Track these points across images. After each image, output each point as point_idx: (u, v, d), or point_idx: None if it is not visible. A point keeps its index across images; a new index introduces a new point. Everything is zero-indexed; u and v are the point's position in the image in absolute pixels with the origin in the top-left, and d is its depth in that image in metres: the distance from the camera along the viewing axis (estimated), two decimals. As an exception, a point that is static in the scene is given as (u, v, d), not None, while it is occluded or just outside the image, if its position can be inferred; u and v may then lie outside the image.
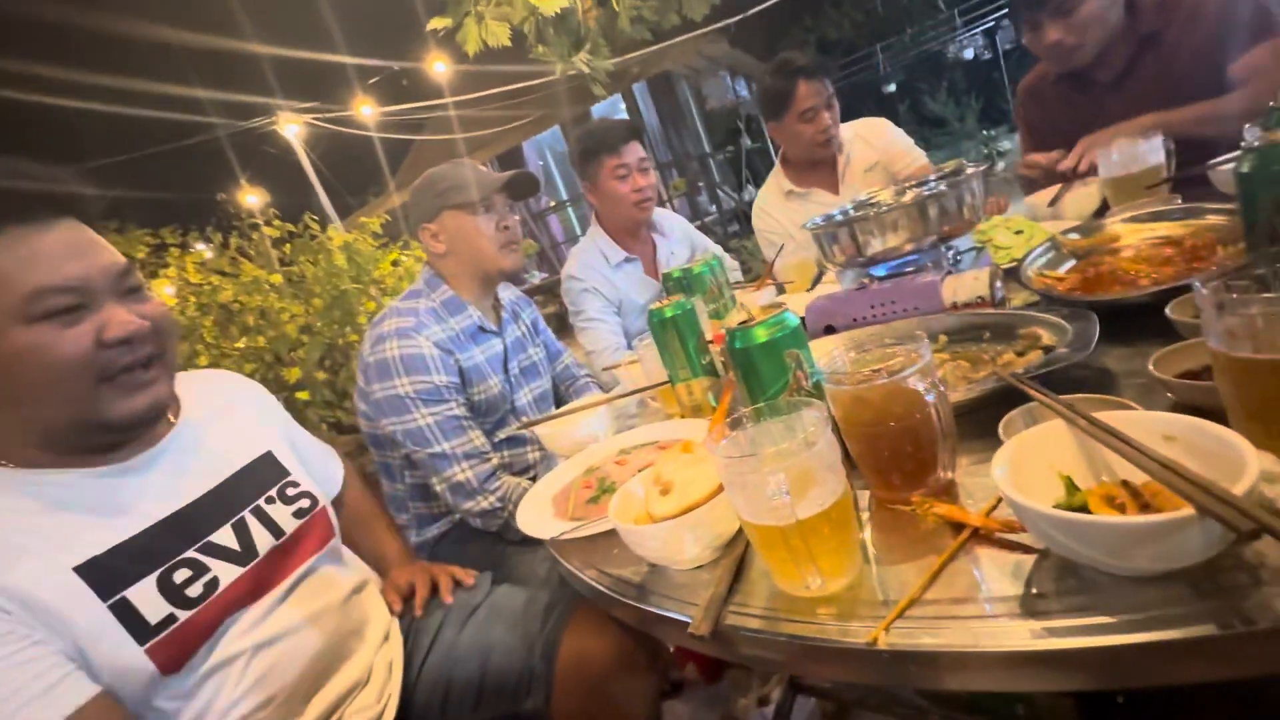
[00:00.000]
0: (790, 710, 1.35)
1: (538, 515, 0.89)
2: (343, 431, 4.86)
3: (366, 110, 8.28)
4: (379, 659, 0.91)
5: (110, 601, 0.68)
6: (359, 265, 4.52)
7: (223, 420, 0.91)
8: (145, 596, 0.70)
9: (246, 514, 0.83)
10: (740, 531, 0.66)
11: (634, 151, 1.85)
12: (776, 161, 2.18)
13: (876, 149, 2.07)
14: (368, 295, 4.41)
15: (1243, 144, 0.70)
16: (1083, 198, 1.34)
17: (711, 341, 1.07)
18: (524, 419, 1.45)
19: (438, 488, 1.29)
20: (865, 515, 0.63)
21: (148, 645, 0.68)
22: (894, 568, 0.55)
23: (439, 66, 7.13)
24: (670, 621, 0.60)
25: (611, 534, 0.77)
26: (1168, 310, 0.70)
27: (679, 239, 2.10)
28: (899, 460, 0.60)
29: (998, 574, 0.49)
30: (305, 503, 0.91)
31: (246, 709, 0.75)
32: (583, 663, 0.91)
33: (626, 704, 0.92)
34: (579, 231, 11.34)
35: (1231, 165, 1.00)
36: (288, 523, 0.87)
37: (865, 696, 1.32)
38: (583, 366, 1.72)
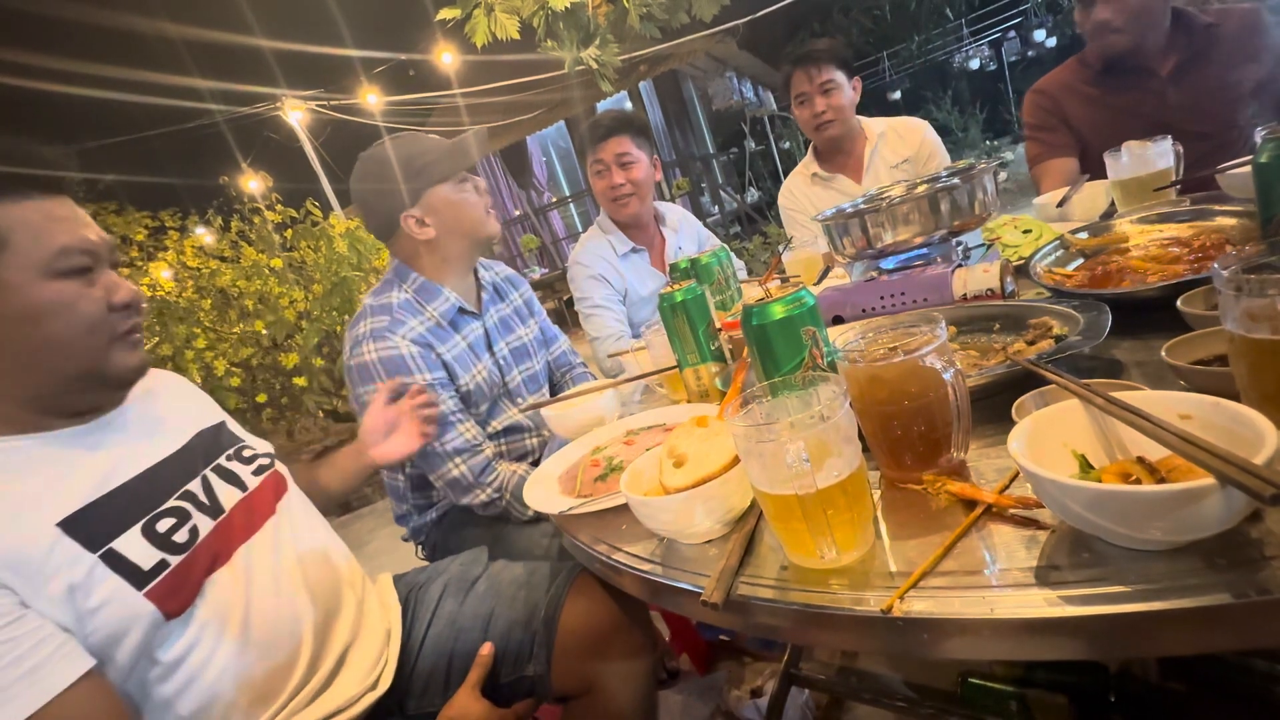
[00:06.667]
0: (784, 702, 1.36)
1: (545, 493, 0.90)
2: (339, 420, 4.85)
3: (372, 99, 8.25)
4: (375, 623, 0.93)
5: (99, 553, 0.69)
6: (360, 253, 4.51)
7: (175, 394, 0.95)
8: (133, 545, 0.72)
9: (209, 472, 0.86)
10: (751, 506, 0.66)
11: (612, 148, 1.83)
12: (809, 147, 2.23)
13: (909, 145, 2.08)
14: (368, 283, 4.41)
15: (1261, 136, 0.71)
16: (1091, 199, 1.35)
17: (721, 329, 1.07)
18: (523, 400, 1.44)
19: (436, 484, 1.29)
20: (875, 495, 0.64)
21: (146, 590, 0.70)
22: (905, 543, 0.55)
23: (446, 58, 7.12)
24: (682, 592, 0.61)
25: (620, 510, 0.77)
26: (1179, 302, 0.70)
27: (687, 235, 2.11)
28: (912, 439, 0.60)
29: (1011, 548, 0.50)
30: (264, 460, 0.95)
31: (245, 663, 0.76)
32: (583, 629, 0.93)
33: (624, 673, 0.93)
34: (580, 227, 11.35)
35: (1240, 169, 1.01)
36: (249, 479, 0.89)
37: (859, 689, 1.33)
38: (578, 354, 1.70)
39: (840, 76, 1.98)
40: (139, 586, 0.70)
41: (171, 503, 0.78)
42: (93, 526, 0.70)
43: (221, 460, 0.89)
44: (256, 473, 0.91)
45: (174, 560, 0.74)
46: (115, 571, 0.69)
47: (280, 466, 0.98)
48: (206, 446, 0.89)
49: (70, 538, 0.68)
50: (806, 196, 2.16)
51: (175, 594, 0.72)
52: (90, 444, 0.77)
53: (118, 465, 0.77)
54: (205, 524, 0.79)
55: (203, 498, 0.82)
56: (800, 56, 1.99)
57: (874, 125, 2.11)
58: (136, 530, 0.73)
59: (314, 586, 0.87)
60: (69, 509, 0.70)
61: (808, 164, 2.19)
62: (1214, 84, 1.49)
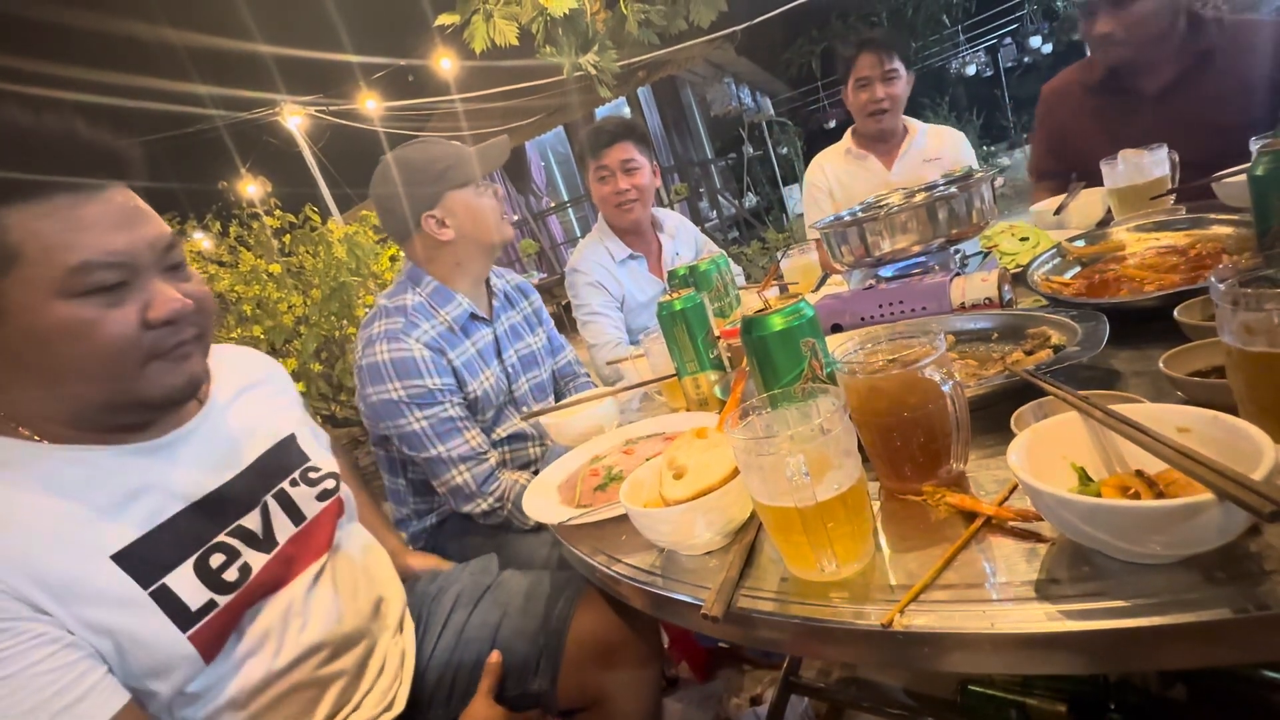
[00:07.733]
0: (783, 710, 1.35)
1: (544, 502, 0.89)
2: (337, 425, 4.84)
3: (371, 104, 8.27)
4: (393, 646, 0.91)
5: (151, 589, 0.66)
6: (359, 258, 4.51)
7: (248, 401, 0.87)
8: (185, 582, 0.68)
9: (269, 498, 0.81)
10: (750, 518, 0.66)
11: (616, 154, 1.85)
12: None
13: (944, 147, 2.14)
14: (366, 288, 4.40)
15: (1257, 148, 0.71)
16: (1088, 207, 1.36)
17: (719, 336, 1.07)
18: (526, 409, 1.44)
19: (439, 490, 1.29)
20: (875, 506, 0.64)
21: (190, 632, 0.67)
22: (905, 555, 0.55)
23: (445, 63, 7.13)
24: (682, 604, 0.61)
25: (619, 520, 0.77)
26: (1176, 313, 0.70)
27: (684, 240, 2.11)
28: (911, 451, 0.60)
29: (1010, 561, 0.50)
30: (330, 484, 0.89)
31: (275, 693, 0.75)
32: (590, 644, 0.92)
33: (631, 687, 0.92)
34: (578, 232, 11.37)
35: (1236, 178, 1.02)
36: (310, 506, 0.85)
37: (858, 697, 1.32)
38: (582, 364, 1.70)
39: (902, 68, 2.02)
40: (184, 628, 0.67)
41: (224, 537, 0.73)
42: (147, 560, 0.66)
43: (285, 484, 0.83)
44: (320, 497, 0.86)
45: (222, 600, 0.70)
46: (164, 610, 0.66)
47: (344, 490, 0.92)
48: (272, 468, 0.83)
49: (123, 571, 0.65)
50: (835, 175, 2.20)
51: (217, 637, 0.70)
52: (154, 463, 0.71)
53: (178, 490, 0.72)
54: (257, 560, 0.75)
55: (258, 532, 0.77)
56: (870, 40, 2.00)
57: (917, 124, 2.17)
58: (189, 566, 0.69)
59: (353, 628, 0.83)
60: (124, 540, 0.66)
61: (844, 142, 2.23)
62: (1204, 112, 1.47)
